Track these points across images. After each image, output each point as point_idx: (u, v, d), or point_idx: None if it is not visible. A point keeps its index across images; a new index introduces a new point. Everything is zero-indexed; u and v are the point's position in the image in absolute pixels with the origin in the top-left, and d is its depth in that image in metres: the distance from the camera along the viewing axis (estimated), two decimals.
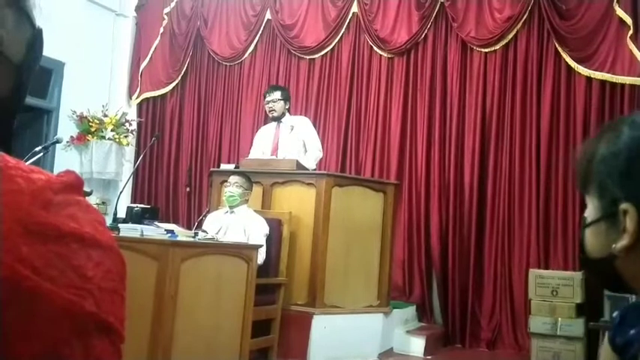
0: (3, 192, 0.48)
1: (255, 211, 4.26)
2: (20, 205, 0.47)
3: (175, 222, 5.90)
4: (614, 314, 0.93)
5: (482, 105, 5.54)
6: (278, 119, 4.89)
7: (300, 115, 5.48)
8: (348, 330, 4.36)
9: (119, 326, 0.51)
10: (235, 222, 4.15)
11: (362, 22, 6.09)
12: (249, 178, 4.30)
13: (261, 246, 3.96)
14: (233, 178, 4.22)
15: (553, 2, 5.29)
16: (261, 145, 4.93)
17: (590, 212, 0.82)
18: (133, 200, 6.80)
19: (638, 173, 0.74)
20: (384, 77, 5.98)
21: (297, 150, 4.75)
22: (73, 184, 0.52)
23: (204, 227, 4.14)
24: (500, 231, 5.34)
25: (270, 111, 4.91)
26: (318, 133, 5.13)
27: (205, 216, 4.50)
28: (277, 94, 4.89)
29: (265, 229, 4.13)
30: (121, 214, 5.17)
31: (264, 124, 6.07)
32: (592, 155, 0.81)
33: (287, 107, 4.93)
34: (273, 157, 4.78)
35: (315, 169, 4.76)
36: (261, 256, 4.03)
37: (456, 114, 5.62)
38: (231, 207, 4.21)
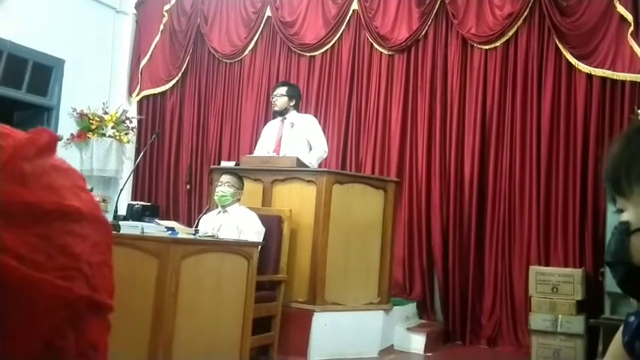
0: None
1: (250, 208, 4.26)
2: None
3: (176, 219, 5.90)
4: (630, 318, 0.91)
5: (483, 102, 5.53)
6: (281, 115, 4.92)
7: (307, 113, 5.46)
8: (348, 327, 4.36)
9: (109, 300, 0.48)
10: (228, 221, 4.16)
11: (362, 19, 6.08)
12: (241, 177, 4.32)
13: (261, 243, 3.96)
14: (225, 178, 4.24)
15: None
16: (266, 142, 4.95)
17: (634, 217, 0.79)
18: (134, 198, 6.79)
19: None
20: (384, 74, 5.97)
21: (299, 148, 4.75)
22: (49, 146, 0.48)
23: (199, 229, 4.14)
24: (501, 228, 5.34)
25: (272, 105, 4.99)
26: None
27: (205, 213, 4.51)
28: (282, 90, 4.93)
29: (259, 227, 4.12)
30: (122, 211, 5.16)
31: (265, 121, 6.09)
32: (631, 158, 0.78)
33: (292, 104, 4.93)
34: (274, 154, 4.79)
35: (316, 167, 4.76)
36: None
37: (457, 111, 5.61)
38: (223, 206, 4.22)
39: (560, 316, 4.63)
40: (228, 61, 6.79)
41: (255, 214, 4.19)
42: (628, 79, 4.99)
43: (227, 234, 3.99)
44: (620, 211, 0.82)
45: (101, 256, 0.48)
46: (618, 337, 0.92)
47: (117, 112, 6.72)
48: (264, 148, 4.94)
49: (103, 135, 6.59)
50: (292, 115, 4.92)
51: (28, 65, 6.07)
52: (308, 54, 6.35)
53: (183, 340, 3.06)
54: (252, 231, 4.08)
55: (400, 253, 5.53)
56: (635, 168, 0.77)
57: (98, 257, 0.48)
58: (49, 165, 0.47)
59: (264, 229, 4.14)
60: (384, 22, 5.97)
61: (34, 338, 0.43)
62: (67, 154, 6.29)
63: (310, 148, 4.83)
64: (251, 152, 5.60)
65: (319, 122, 5.19)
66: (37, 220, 0.44)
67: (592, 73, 5.13)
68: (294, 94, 4.99)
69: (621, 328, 0.92)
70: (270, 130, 5.01)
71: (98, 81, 6.77)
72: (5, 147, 0.44)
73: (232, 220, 4.15)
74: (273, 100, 4.95)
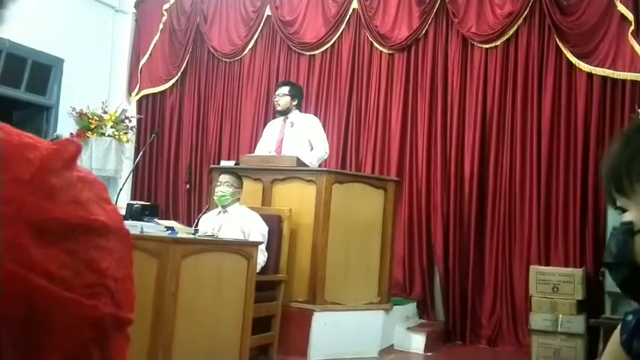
0: (1, 182, 0.42)
1: (250, 208, 4.25)
2: (22, 199, 0.42)
3: (175, 219, 5.89)
4: (629, 317, 0.90)
5: (483, 101, 5.52)
6: (283, 114, 4.91)
7: (307, 113, 5.44)
8: (348, 327, 4.35)
9: (130, 314, 0.48)
10: (229, 221, 4.14)
11: (362, 18, 6.07)
12: (240, 176, 4.30)
13: (261, 243, 3.95)
14: (223, 177, 4.22)
15: None
16: (268, 141, 4.94)
17: (638, 217, 0.77)
18: (133, 197, 6.78)
19: None
20: (384, 73, 5.96)
21: (299, 148, 4.73)
22: (74, 157, 0.46)
23: (198, 229, 4.12)
24: (501, 227, 5.34)
25: (275, 105, 4.99)
26: None
27: (205, 213, 4.49)
28: (285, 89, 4.92)
29: (264, 228, 4.11)
30: (121, 211, 5.16)
31: (265, 120, 6.08)
32: (632, 157, 0.77)
33: (294, 104, 4.92)
34: (275, 154, 4.78)
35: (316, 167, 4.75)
36: (262, 257, 4.01)
37: (457, 110, 5.60)
38: (223, 206, 4.20)
39: (560, 315, 4.62)
40: (228, 60, 6.78)
41: (257, 215, 4.17)
42: (628, 78, 4.99)
43: (229, 235, 3.98)
44: (621, 210, 0.81)
45: (125, 270, 0.48)
46: (616, 336, 0.92)
47: (116, 112, 6.71)
48: (265, 147, 4.92)
49: (103, 134, 6.57)
50: (294, 114, 4.91)
51: (27, 64, 6.05)
52: (308, 53, 6.34)
53: (183, 339, 3.05)
54: (259, 234, 4.07)
55: (400, 252, 5.52)
56: (636, 167, 0.77)
57: (123, 271, 0.47)
58: (76, 177, 0.46)
59: (267, 228, 4.14)
60: (384, 21, 5.96)
61: (59, 358, 0.42)
62: None
63: (312, 148, 4.82)
64: (251, 151, 5.59)
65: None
66: (65, 236, 0.43)
67: (592, 72, 5.12)
68: (296, 93, 4.97)
69: (619, 327, 0.91)
70: (272, 130, 5.00)
71: (97, 80, 6.75)
72: (32, 160, 0.44)
73: (233, 221, 4.13)
74: (276, 99, 4.94)
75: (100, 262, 0.45)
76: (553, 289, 4.72)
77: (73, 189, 0.45)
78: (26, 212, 0.42)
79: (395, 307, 4.82)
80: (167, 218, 5.67)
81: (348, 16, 6.16)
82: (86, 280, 0.43)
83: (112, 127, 6.63)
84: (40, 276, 0.41)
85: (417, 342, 4.78)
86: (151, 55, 7.07)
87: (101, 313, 0.44)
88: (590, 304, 4.68)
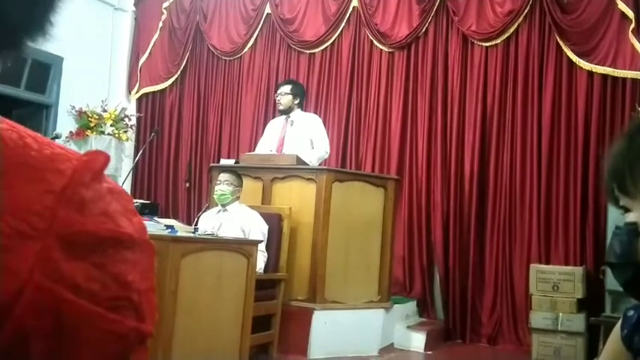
0: (33, 194, 0.41)
1: (250, 206, 4.24)
2: (54, 211, 0.41)
3: (175, 217, 5.88)
4: (629, 312, 0.90)
5: (484, 99, 5.52)
6: (285, 113, 4.90)
7: (310, 112, 5.43)
8: (348, 325, 4.35)
9: (151, 326, 0.47)
10: (229, 220, 4.13)
11: (362, 16, 6.06)
12: (239, 175, 4.29)
13: (261, 241, 3.95)
14: (223, 176, 4.22)
15: None
16: (269, 140, 4.93)
17: None
18: (133, 196, 6.76)
19: None
20: (384, 72, 5.95)
21: (300, 146, 4.72)
22: (103, 168, 0.46)
23: (198, 227, 4.12)
24: (502, 226, 5.33)
25: (277, 103, 4.99)
26: None
27: (205, 211, 4.49)
28: (286, 88, 4.91)
29: (264, 227, 4.11)
30: None
31: (265, 119, 6.08)
32: (635, 156, 0.76)
33: (296, 102, 4.91)
34: (275, 153, 4.77)
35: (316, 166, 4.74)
36: (262, 259, 4.00)
37: (457, 108, 5.59)
38: (223, 205, 4.20)
39: (560, 314, 4.62)
40: (228, 59, 6.77)
41: (257, 213, 4.16)
42: (629, 76, 4.98)
43: (229, 233, 3.97)
44: (625, 209, 0.81)
45: (148, 281, 0.47)
46: (616, 332, 0.91)
47: (116, 110, 6.70)
48: (266, 146, 4.91)
49: (102, 133, 6.56)
50: (296, 113, 4.90)
51: (26, 63, 6.04)
52: (308, 51, 6.33)
53: (183, 338, 3.04)
54: (259, 232, 4.06)
55: (400, 251, 5.51)
56: (639, 167, 0.76)
57: (147, 283, 0.47)
58: (105, 189, 0.46)
59: (267, 227, 4.13)
60: (384, 19, 5.95)
61: None
62: None
63: (313, 148, 4.82)
64: (251, 150, 5.59)
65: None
66: (93, 249, 0.43)
67: (593, 71, 5.11)
68: (298, 92, 4.97)
69: (620, 322, 0.91)
70: (273, 129, 4.99)
71: (97, 78, 6.74)
72: (64, 171, 0.43)
73: (233, 219, 4.13)
74: (278, 98, 4.93)
75: (126, 275, 0.45)
76: (553, 287, 4.72)
77: (102, 201, 0.45)
78: (57, 225, 0.41)
79: (395, 305, 4.82)
80: (167, 217, 5.67)
81: (348, 14, 6.16)
82: (112, 294, 0.43)
83: (111, 125, 6.62)
84: (68, 289, 0.41)
85: (417, 340, 4.78)
86: (150, 53, 7.06)
87: (125, 328, 0.44)
88: (591, 302, 4.68)
